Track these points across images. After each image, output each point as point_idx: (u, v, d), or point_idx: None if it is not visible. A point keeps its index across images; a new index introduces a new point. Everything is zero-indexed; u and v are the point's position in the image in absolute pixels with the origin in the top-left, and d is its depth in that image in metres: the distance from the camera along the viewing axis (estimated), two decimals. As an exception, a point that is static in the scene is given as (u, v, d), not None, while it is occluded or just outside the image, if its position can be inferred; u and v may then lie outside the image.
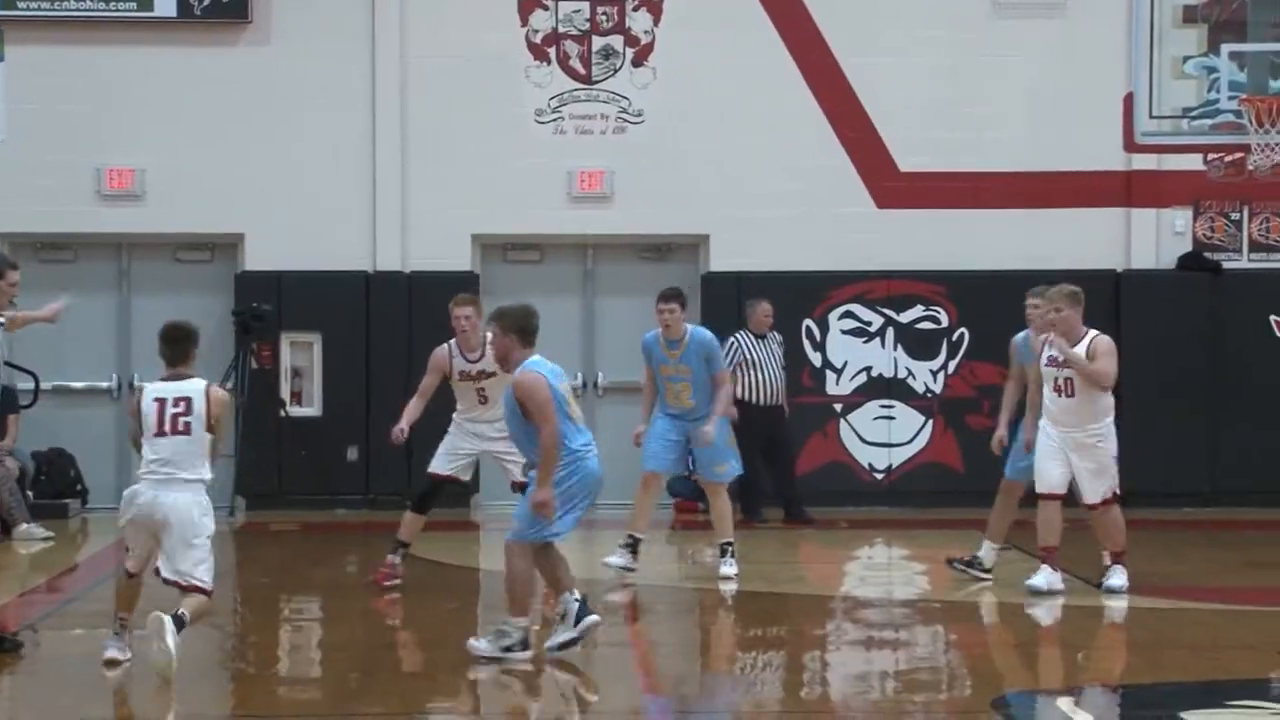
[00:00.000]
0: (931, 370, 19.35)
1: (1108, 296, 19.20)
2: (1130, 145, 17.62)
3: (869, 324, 19.44)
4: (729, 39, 19.63)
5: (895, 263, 19.39)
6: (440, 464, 14.29)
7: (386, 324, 19.27)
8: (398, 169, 19.59)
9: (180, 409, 10.97)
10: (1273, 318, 19.34)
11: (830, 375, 19.47)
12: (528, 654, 11.35)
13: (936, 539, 16.55)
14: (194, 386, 11.05)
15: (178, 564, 10.95)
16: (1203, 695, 10.77)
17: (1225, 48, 16.87)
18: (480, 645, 11.47)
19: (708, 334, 14.75)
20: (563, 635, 11.50)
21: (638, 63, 19.85)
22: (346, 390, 19.24)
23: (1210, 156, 19.39)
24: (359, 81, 19.56)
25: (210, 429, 11.01)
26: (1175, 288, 19.36)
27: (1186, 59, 17.58)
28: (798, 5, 19.71)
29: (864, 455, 19.27)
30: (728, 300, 19.06)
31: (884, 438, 19.30)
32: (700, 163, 19.56)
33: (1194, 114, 17.15)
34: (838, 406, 19.45)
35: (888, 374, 19.36)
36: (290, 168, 19.52)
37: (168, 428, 10.95)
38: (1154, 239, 19.63)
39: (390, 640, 12.84)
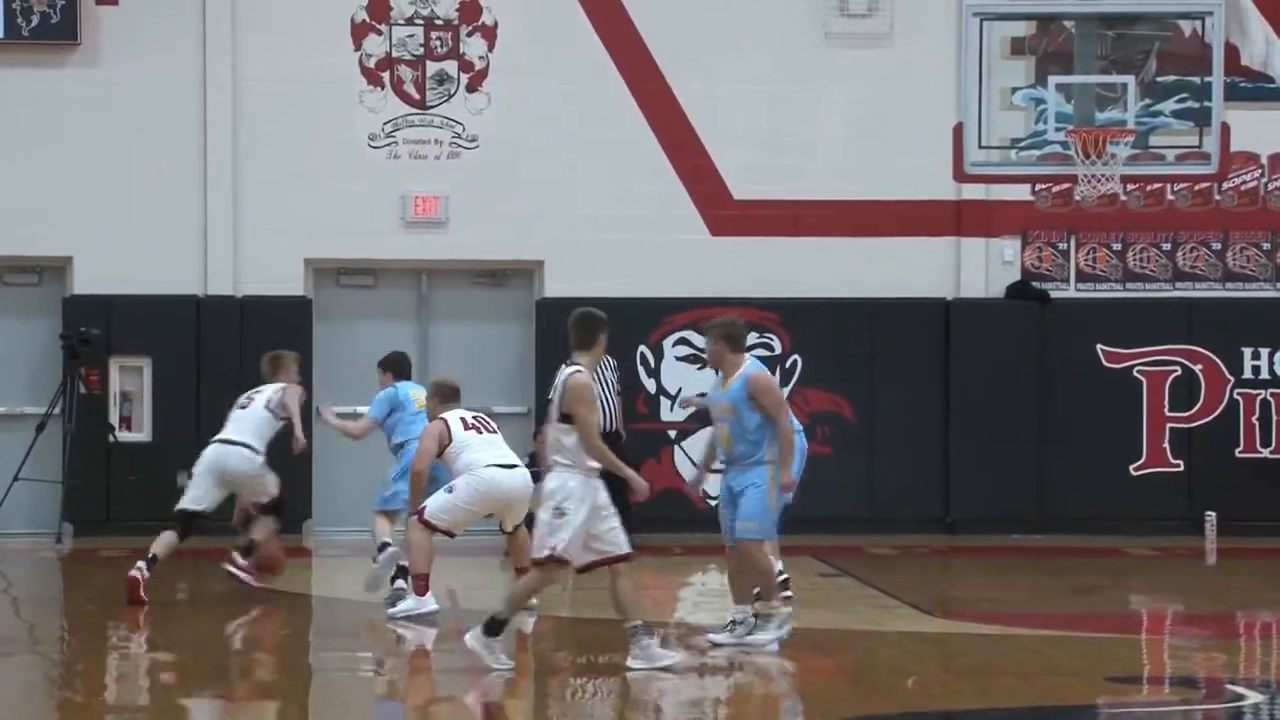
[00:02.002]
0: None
1: (938, 325, 19.42)
2: (959, 175, 17.76)
3: (703, 351, 19.44)
4: (564, 66, 19.65)
5: (729, 290, 19.46)
6: None
7: (217, 348, 19.08)
8: (229, 192, 19.41)
9: None
10: (1099, 346, 19.61)
11: (664, 402, 19.52)
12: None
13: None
14: None
15: None
16: (1031, 721, 10.90)
17: (1053, 79, 17.05)
18: (761, 637, 12.42)
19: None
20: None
21: (472, 88, 19.82)
22: (177, 415, 19.03)
23: (1038, 187, 19.68)
24: (190, 104, 19.37)
25: None
26: (1004, 316, 19.60)
27: (1015, 90, 17.83)
28: (632, 33, 19.77)
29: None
30: (563, 326, 18.97)
31: (718, 465, 19.29)
32: (535, 188, 19.55)
33: (1022, 144, 17.35)
34: (672, 433, 19.49)
35: (721, 401, 19.39)
36: (120, 190, 19.30)
37: None
38: (983, 268, 19.85)
39: (219, 669, 12.68)
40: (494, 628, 11.84)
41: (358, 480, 19.44)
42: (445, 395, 14.26)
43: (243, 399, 15.29)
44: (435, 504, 13.73)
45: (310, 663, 13.10)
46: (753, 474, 12.67)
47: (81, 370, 18.96)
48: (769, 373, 12.97)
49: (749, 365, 12.81)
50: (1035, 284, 19.83)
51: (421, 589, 13.85)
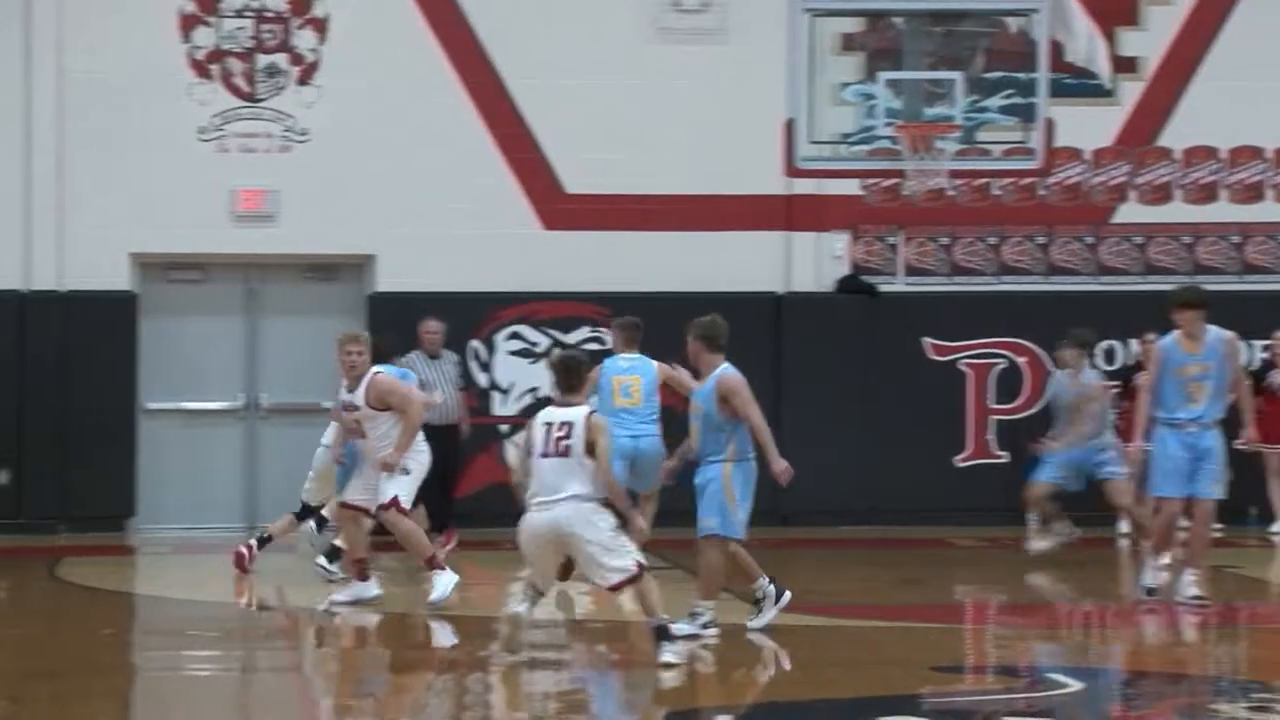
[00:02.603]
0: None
1: (769, 318, 19.52)
2: (790, 170, 17.91)
3: (535, 345, 19.49)
4: (396, 59, 19.55)
5: (562, 284, 19.47)
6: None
7: (41, 343, 18.82)
8: (52, 186, 19.14)
9: None
10: (926, 339, 19.80)
11: (497, 396, 19.50)
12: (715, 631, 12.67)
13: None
14: None
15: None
16: (859, 711, 10.99)
17: (882, 75, 17.22)
18: (682, 626, 12.40)
19: None
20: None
21: (303, 81, 19.67)
22: (1, 409, 18.75)
23: (867, 181, 19.84)
24: (12, 96, 19.08)
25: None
26: (834, 310, 19.74)
27: (845, 86, 17.92)
28: (465, 27, 19.71)
29: (529, 475, 19.28)
30: (395, 321, 18.96)
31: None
32: (367, 182, 19.44)
33: (852, 140, 17.46)
34: (504, 428, 19.46)
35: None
36: (-59, 184, 19.01)
37: None
38: (814, 262, 19.98)
39: (45, 668, 12.51)
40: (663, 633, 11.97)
41: (182, 478, 19.33)
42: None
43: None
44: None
45: (134, 662, 12.97)
46: (712, 470, 12.93)
47: (-99, 366, 18.63)
48: (740, 375, 13.02)
49: (723, 367, 13.02)
50: (864, 278, 20.00)
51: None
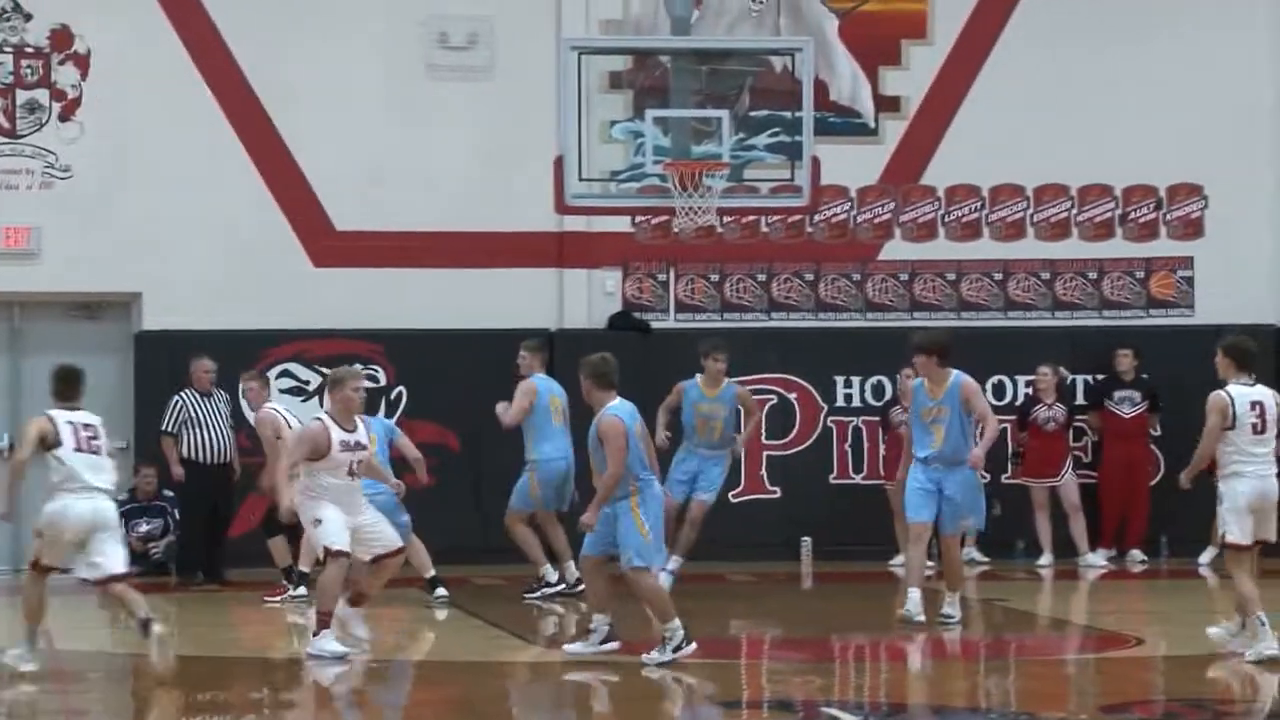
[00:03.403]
0: (368, 429, 19.35)
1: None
2: (561, 206, 17.97)
3: (307, 383, 19.32)
4: (161, 95, 19.33)
5: (334, 321, 19.34)
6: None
7: None
8: None
9: None
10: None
11: (266, 435, 19.28)
12: (692, 647, 13.06)
13: (381, 598, 16.49)
14: None
15: None
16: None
17: (649, 113, 17.33)
18: (655, 657, 12.97)
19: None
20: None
21: (64, 117, 19.40)
22: None
23: (638, 218, 19.96)
24: None
25: None
26: (607, 346, 19.48)
27: (614, 123, 18.03)
28: (230, 64, 19.53)
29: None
30: (161, 359, 18.76)
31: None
32: (132, 219, 19.19)
33: (622, 177, 17.56)
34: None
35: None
36: None
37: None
38: (586, 298, 20.06)
39: None
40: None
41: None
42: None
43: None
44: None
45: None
46: (619, 506, 13.21)
47: None
48: (616, 419, 13.21)
49: (607, 408, 13.34)
50: (636, 314, 20.11)
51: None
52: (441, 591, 16.36)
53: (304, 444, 13.61)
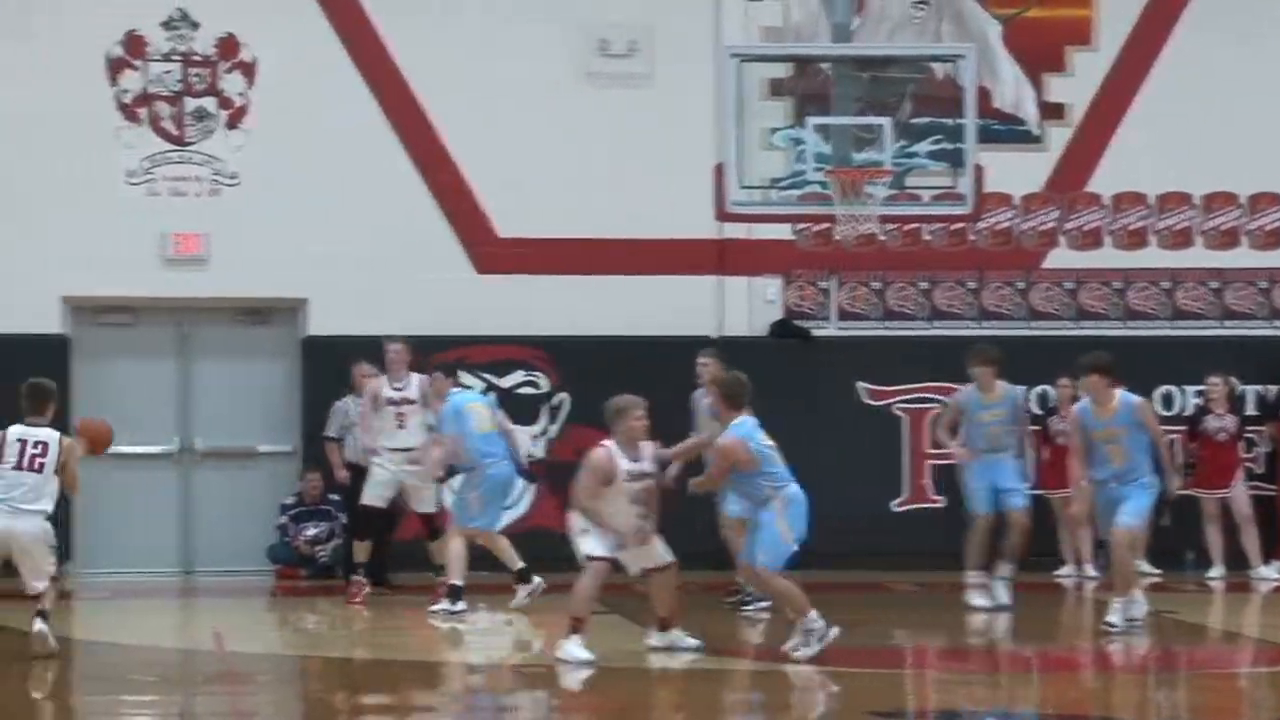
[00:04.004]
0: (534, 435, 19.45)
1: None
2: (722, 214, 17.97)
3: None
4: (325, 103, 19.52)
5: (496, 328, 19.46)
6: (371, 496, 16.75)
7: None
8: (-16, 229, 19.03)
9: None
10: (860, 384, 19.88)
11: (429, 439, 19.40)
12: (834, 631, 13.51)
13: (543, 604, 16.58)
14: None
15: None
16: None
17: (810, 120, 17.29)
18: (804, 652, 13.43)
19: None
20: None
21: (232, 125, 19.63)
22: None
23: (799, 226, 19.91)
24: (-58, 138, 18.97)
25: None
26: (768, 354, 19.76)
27: (774, 130, 18.00)
28: (394, 72, 19.70)
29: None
30: (328, 364, 18.93)
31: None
32: (298, 226, 19.38)
33: (782, 184, 17.51)
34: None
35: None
36: None
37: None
38: (746, 306, 20.04)
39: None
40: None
41: (118, 522, 19.17)
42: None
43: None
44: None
45: (73, 707, 12.85)
46: (763, 515, 13.86)
47: None
48: (733, 440, 13.80)
49: (730, 426, 13.89)
50: (797, 322, 20.06)
51: None
52: (529, 588, 16.39)
53: (595, 474, 13.73)
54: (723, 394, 13.98)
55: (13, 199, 19.08)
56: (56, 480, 13.62)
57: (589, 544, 13.68)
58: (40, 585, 13.65)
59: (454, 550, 16.26)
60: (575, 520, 13.81)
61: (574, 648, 13.51)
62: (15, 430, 13.76)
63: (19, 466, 13.60)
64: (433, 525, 17.11)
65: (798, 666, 13.50)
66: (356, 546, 17.14)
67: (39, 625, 13.64)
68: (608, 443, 13.86)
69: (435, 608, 16.12)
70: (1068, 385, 17.95)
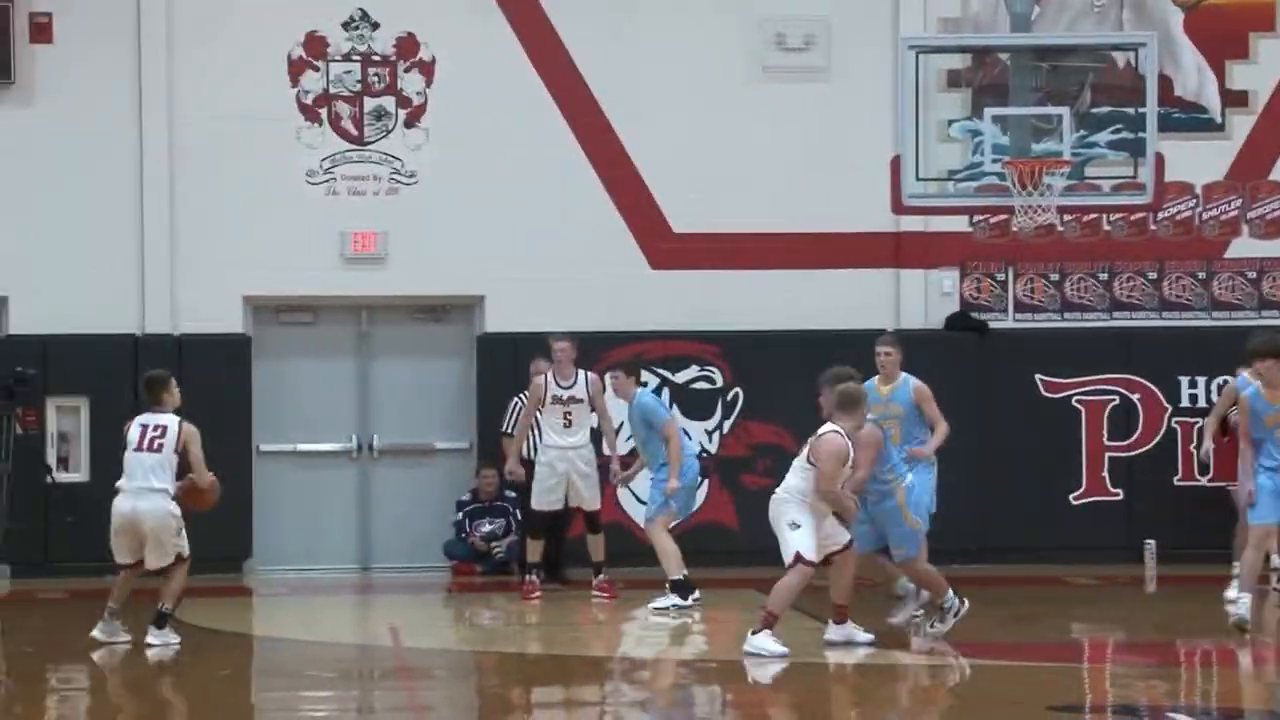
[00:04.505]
0: (707, 430, 19.46)
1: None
2: (898, 207, 17.84)
3: (645, 384, 19.46)
4: (502, 101, 19.64)
5: (670, 323, 19.49)
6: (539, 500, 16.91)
7: (156, 387, 18.94)
8: (166, 230, 19.33)
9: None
10: (1038, 376, 19.69)
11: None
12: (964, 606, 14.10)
13: (711, 599, 16.61)
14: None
15: None
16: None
17: (988, 111, 17.11)
18: (937, 628, 14.06)
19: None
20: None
21: (410, 124, 19.80)
22: (115, 455, 18.81)
23: (976, 218, 19.75)
24: (126, 142, 19.28)
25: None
26: (944, 347, 19.63)
27: (951, 122, 17.89)
28: (570, 68, 19.78)
29: (641, 515, 19.23)
30: (504, 361, 19.05)
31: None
32: (474, 224, 19.53)
33: (959, 176, 17.41)
34: (614, 467, 19.42)
35: (664, 434, 19.38)
36: (56, 229, 19.18)
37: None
38: (922, 299, 19.92)
39: (159, 710, 12.60)
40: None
41: (297, 520, 19.42)
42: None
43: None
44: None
45: (252, 703, 13.04)
46: (886, 507, 14.27)
47: (18, 411, 18.82)
48: (871, 428, 14.19)
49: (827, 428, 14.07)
50: (974, 314, 19.91)
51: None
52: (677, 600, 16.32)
53: (838, 459, 13.82)
54: (839, 401, 14.08)
55: (195, 199, 19.37)
56: (176, 460, 14.33)
57: (802, 544, 13.67)
58: (161, 563, 14.17)
59: (666, 546, 16.37)
60: (791, 513, 13.73)
61: (767, 641, 13.54)
62: (139, 419, 14.60)
63: (140, 448, 14.37)
64: (595, 521, 17.13)
65: (970, 660, 13.40)
66: (530, 545, 17.21)
67: (151, 635, 14.22)
68: (837, 428, 13.90)
69: (662, 604, 16.21)
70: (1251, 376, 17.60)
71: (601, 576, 16.90)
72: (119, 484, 14.44)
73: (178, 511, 14.36)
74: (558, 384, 17.05)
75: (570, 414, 16.95)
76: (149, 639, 14.16)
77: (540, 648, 14.85)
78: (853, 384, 14.20)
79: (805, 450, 13.91)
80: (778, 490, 13.98)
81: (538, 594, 16.86)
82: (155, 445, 14.37)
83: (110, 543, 14.52)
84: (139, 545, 14.29)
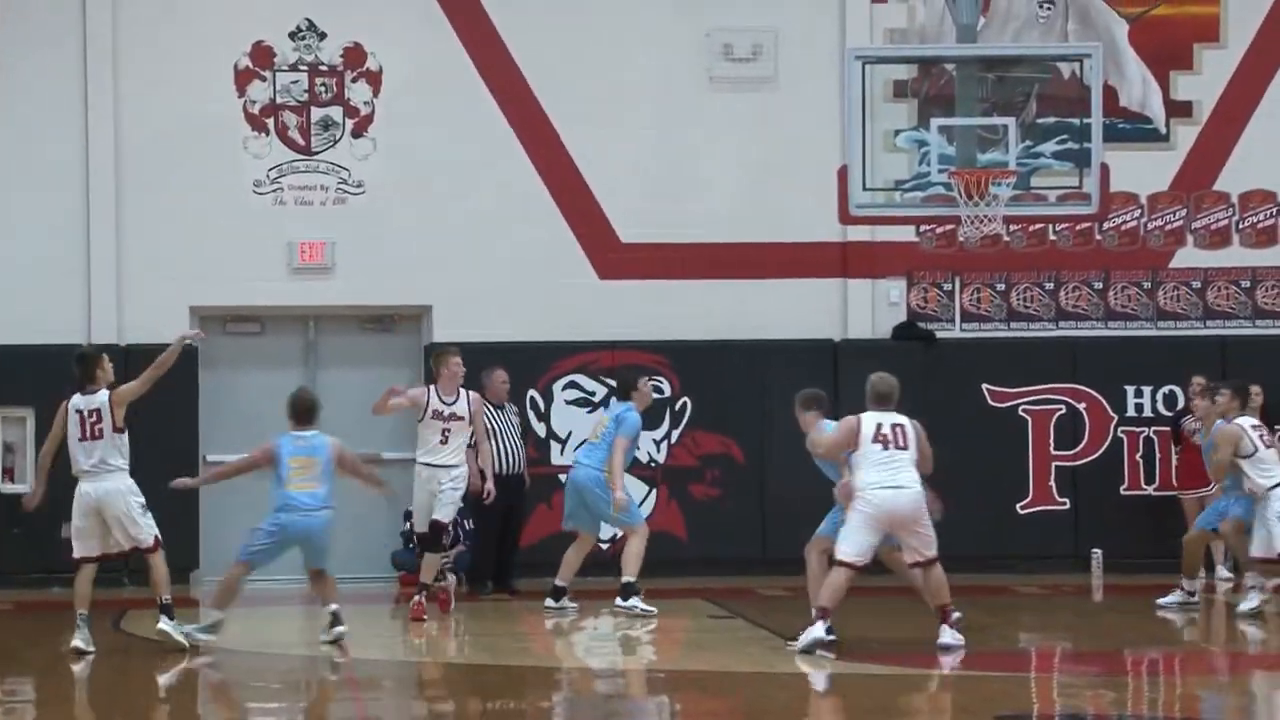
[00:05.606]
0: (655, 440, 19.48)
1: (826, 366, 19.50)
2: (845, 217, 17.90)
3: (593, 394, 19.51)
4: (449, 111, 19.66)
5: (618, 333, 19.51)
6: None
7: (102, 398, 18.86)
8: (113, 240, 19.28)
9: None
10: (985, 385, 19.77)
11: (555, 446, 19.50)
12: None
13: (659, 608, 16.61)
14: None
15: None
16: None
17: (935, 121, 17.20)
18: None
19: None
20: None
21: (357, 134, 19.79)
22: (61, 465, 18.73)
23: (923, 228, 19.83)
24: (71, 150, 19.24)
25: None
26: (891, 357, 19.55)
27: (898, 132, 17.94)
28: (517, 78, 19.80)
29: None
30: (451, 371, 18.99)
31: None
32: (422, 233, 19.52)
33: (906, 186, 17.46)
34: (562, 477, 19.43)
35: (611, 444, 19.39)
36: (0, 239, 19.11)
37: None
38: (870, 309, 19.99)
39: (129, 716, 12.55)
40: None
41: (245, 530, 19.31)
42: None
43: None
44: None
45: (199, 714, 12.99)
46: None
47: (-37, 421, 18.74)
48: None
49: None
50: (921, 324, 19.98)
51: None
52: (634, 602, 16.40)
53: (846, 431, 14.58)
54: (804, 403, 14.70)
55: (141, 209, 19.31)
56: (123, 435, 14.49)
57: (843, 545, 14.12)
58: (134, 541, 14.40)
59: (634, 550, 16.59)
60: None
61: (815, 631, 13.94)
62: (74, 402, 14.66)
63: (84, 438, 14.49)
64: (440, 535, 16.76)
65: (919, 669, 13.43)
66: (425, 563, 16.63)
67: (162, 624, 14.27)
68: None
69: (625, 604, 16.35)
70: (1201, 383, 17.79)
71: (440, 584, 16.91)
72: (74, 471, 14.60)
73: (138, 490, 14.50)
74: (440, 399, 16.53)
75: (449, 431, 16.38)
76: (163, 627, 14.39)
77: (486, 658, 14.80)
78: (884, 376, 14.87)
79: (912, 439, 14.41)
80: (915, 486, 14.57)
81: (445, 607, 16.76)
82: (96, 432, 14.48)
83: (72, 536, 14.54)
84: (105, 530, 14.26)
